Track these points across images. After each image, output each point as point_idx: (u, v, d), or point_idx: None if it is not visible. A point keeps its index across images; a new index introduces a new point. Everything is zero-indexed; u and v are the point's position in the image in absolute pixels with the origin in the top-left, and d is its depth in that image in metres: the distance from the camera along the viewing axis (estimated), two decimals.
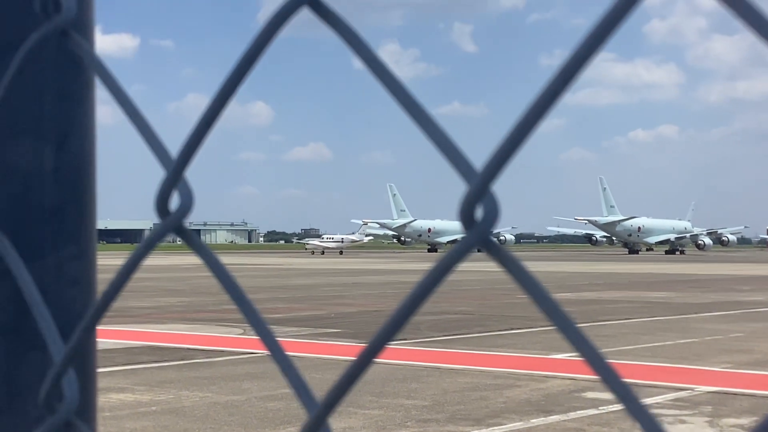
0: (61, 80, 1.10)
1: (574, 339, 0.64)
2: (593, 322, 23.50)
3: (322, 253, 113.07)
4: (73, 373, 0.90)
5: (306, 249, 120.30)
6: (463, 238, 0.65)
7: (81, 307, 1.10)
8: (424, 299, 0.66)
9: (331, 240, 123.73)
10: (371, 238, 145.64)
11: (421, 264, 70.17)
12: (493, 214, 0.64)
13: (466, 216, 0.64)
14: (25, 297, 0.97)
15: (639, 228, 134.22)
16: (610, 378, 0.59)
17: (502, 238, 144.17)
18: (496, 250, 0.65)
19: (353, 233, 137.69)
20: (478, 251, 0.67)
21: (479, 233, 0.64)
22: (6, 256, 1.00)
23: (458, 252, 0.65)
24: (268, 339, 0.77)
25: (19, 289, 0.98)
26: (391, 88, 0.70)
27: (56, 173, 1.11)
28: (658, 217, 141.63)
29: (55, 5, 0.90)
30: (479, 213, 0.64)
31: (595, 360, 0.63)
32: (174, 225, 0.79)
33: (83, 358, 1.08)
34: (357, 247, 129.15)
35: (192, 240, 0.81)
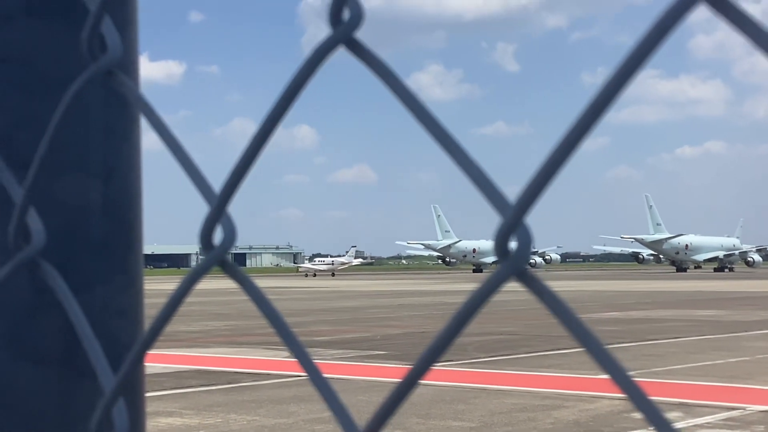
0: (107, 117, 1.13)
1: (614, 373, 0.64)
2: (642, 341, 23.27)
3: (314, 275, 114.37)
4: (122, 403, 0.92)
5: (299, 272, 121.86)
6: (497, 269, 0.67)
7: (128, 338, 1.13)
8: (459, 331, 0.67)
9: (322, 263, 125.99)
10: (360, 261, 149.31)
11: (466, 285, 69.96)
12: (526, 246, 0.65)
13: (500, 248, 0.66)
14: (75, 328, 1.00)
15: (686, 245, 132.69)
16: (650, 411, 0.60)
17: (548, 257, 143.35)
18: (531, 281, 0.66)
19: (342, 255, 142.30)
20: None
21: (513, 265, 0.65)
22: (56, 288, 1.03)
23: (493, 283, 0.66)
24: (311, 369, 0.79)
25: (69, 321, 1.01)
26: (427, 125, 0.71)
27: (104, 207, 1.14)
28: (705, 235, 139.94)
29: (101, 46, 0.93)
30: (513, 244, 0.66)
31: (636, 395, 0.64)
32: (218, 259, 0.81)
33: (132, 388, 1.11)
34: (350, 269, 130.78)
35: (235, 273, 0.84)
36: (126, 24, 1.12)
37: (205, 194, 0.84)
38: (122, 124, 1.15)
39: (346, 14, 0.74)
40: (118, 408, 0.91)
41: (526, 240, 0.66)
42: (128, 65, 1.08)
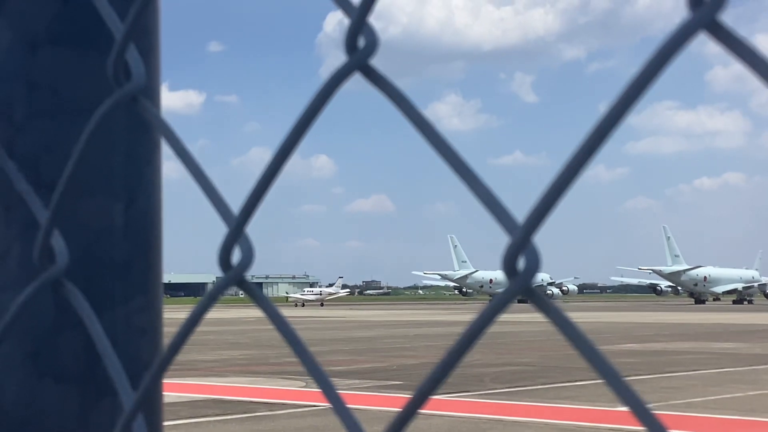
0: (130, 142, 1.17)
1: (618, 388, 0.66)
2: (660, 373, 23.11)
3: (303, 305, 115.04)
4: (141, 419, 0.95)
5: (288, 302, 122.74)
6: (506, 287, 0.69)
7: (148, 356, 1.16)
8: (471, 345, 0.69)
9: (311, 293, 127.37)
10: (348, 291, 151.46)
11: None
12: (534, 264, 0.68)
13: (508, 266, 0.68)
14: (97, 346, 1.02)
15: (705, 277, 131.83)
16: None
17: (564, 288, 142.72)
18: (539, 299, 0.69)
19: (331, 286, 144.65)
20: (523, 301, 0.70)
21: (521, 282, 0.68)
22: (78, 307, 1.06)
23: (503, 300, 0.69)
24: (329, 391, 0.81)
25: (90, 339, 1.04)
26: (439, 149, 0.74)
27: (125, 229, 1.17)
28: (724, 266, 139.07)
29: (125, 73, 0.97)
30: (521, 264, 0.68)
31: (640, 410, 0.66)
32: (236, 279, 0.84)
33: (151, 406, 1.13)
34: (338, 300, 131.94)
35: (253, 293, 0.86)
36: (149, 52, 1.16)
37: (223, 216, 0.87)
38: (144, 149, 1.18)
39: (361, 42, 0.77)
40: (138, 424, 0.94)
41: (534, 259, 0.68)
42: (151, 91, 1.12)
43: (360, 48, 0.77)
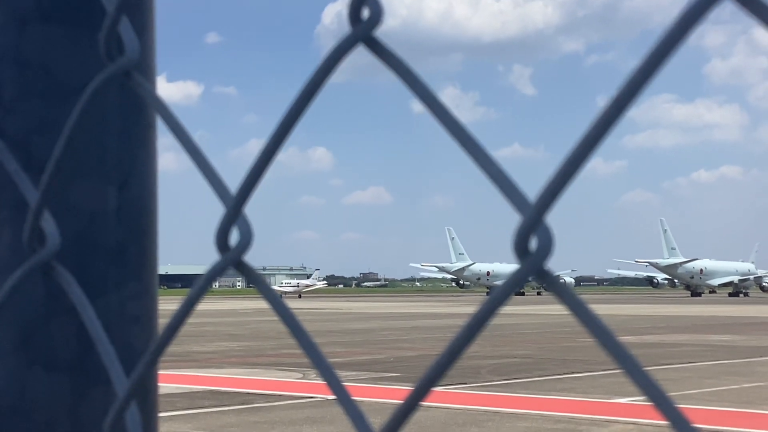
0: (124, 122, 1.13)
1: (632, 371, 0.63)
2: (656, 365, 23.11)
3: (281, 296, 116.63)
4: (135, 408, 0.91)
5: None
6: (517, 268, 0.65)
7: (142, 344, 1.12)
8: (479, 330, 0.66)
9: (288, 285, 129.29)
10: (325, 283, 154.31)
11: None
12: (547, 245, 0.64)
13: (520, 247, 0.65)
14: (90, 333, 0.99)
15: (701, 270, 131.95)
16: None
17: (561, 280, 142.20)
18: (551, 281, 0.65)
19: (308, 278, 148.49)
20: (520, 294, 0.67)
21: (534, 263, 0.64)
22: (71, 292, 1.02)
23: (514, 281, 0.65)
24: (327, 373, 0.78)
25: (82, 326, 1.00)
26: (447, 124, 0.71)
27: (119, 213, 1.14)
28: (720, 259, 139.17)
29: (118, 48, 0.93)
30: (533, 244, 0.65)
31: (658, 398, 0.63)
32: (234, 260, 0.80)
33: (145, 394, 1.10)
34: (315, 292, 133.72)
35: (251, 275, 0.83)
36: (143, 29, 1.12)
37: (221, 195, 0.83)
38: (139, 129, 1.14)
39: (365, 13, 0.73)
40: (131, 412, 0.90)
41: (547, 238, 0.65)
42: (146, 69, 1.08)
43: (364, 19, 0.73)
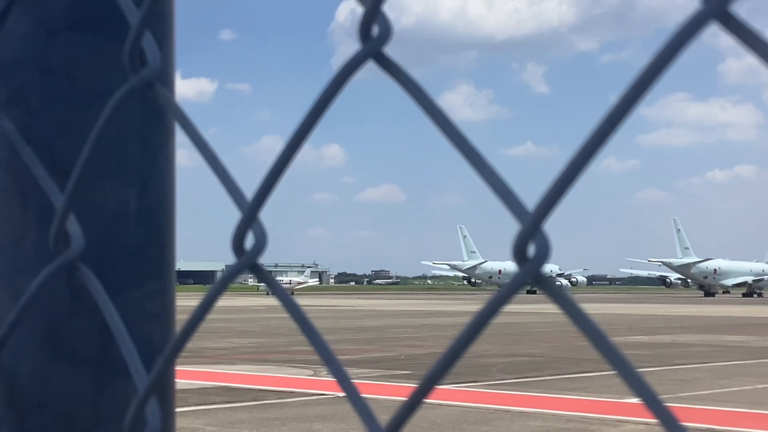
0: (144, 128, 1.18)
1: (629, 379, 0.67)
2: (668, 365, 23.09)
3: (269, 293, 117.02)
4: (155, 402, 0.96)
5: (259, 291, 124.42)
6: (516, 273, 0.70)
7: (161, 340, 1.17)
8: (479, 332, 0.70)
9: (281, 282, 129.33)
10: (316, 281, 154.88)
11: None
12: (544, 251, 0.69)
13: (518, 253, 0.69)
14: (111, 329, 1.04)
15: (715, 270, 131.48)
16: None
17: (574, 279, 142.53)
18: (548, 286, 0.70)
19: (300, 275, 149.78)
20: (532, 292, 0.71)
21: (531, 269, 0.68)
22: (93, 291, 1.07)
23: (512, 287, 0.70)
24: (339, 374, 0.82)
25: (104, 323, 1.05)
26: (450, 135, 0.75)
27: (139, 214, 1.18)
28: (734, 259, 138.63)
29: (141, 59, 0.98)
30: (531, 251, 0.69)
31: (651, 401, 0.66)
32: (249, 263, 0.85)
33: (164, 388, 1.15)
34: (307, 289, 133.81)
35: (266, 277, 0.87)
36: (163, 37, 1.17)
37: (237, 201, 0.88)
38: (158, 135, 1.19)
39: (375, 30, 0.77)
40: (151, 406, 0.95)
41: (544, 246, 0.69)
42: (166, 77, 1.13)
43: (374, 36, 0.77)
